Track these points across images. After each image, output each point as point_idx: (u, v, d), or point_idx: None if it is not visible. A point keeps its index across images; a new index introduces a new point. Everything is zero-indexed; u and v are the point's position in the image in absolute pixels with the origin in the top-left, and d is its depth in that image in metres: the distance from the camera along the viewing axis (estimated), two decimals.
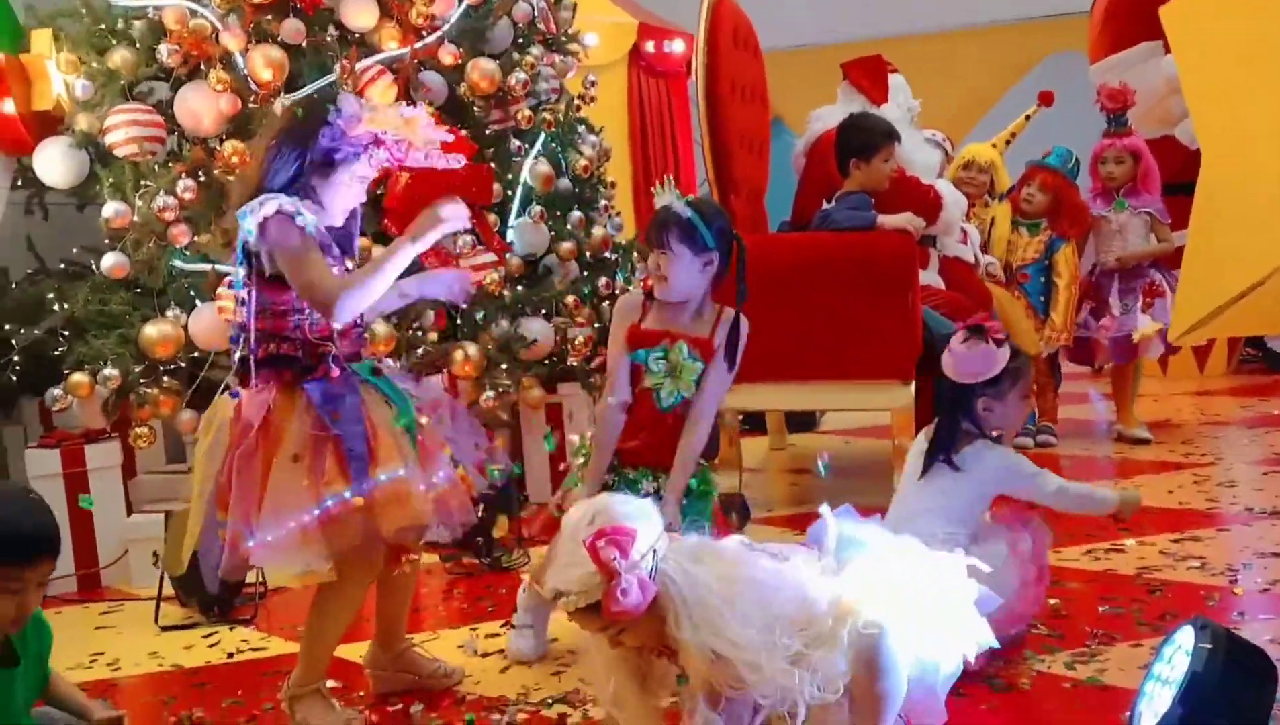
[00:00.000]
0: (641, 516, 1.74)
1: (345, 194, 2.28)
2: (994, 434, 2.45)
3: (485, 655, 2.64)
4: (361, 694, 2.44)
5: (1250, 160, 1.90)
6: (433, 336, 3.71)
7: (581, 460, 2.54)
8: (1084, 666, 2.29)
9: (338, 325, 2.19)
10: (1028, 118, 4.97)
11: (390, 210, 3.71)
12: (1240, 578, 2.81)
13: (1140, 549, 3.04)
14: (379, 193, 3.65)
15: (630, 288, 4.47)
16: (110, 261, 3.49)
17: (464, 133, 3.78)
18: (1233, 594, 2.69)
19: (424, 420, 2.26)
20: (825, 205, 3.83)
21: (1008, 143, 5.00)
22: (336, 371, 2.19)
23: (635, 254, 4.68)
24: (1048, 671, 2.26)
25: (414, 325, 3.67)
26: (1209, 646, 1.69)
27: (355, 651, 2.53)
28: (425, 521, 2.17)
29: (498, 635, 2.76)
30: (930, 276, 4.08)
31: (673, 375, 2.42)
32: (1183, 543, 3.11)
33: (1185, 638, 1.75)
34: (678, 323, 2.44)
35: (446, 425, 2.34)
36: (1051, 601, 2.63)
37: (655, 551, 1.71)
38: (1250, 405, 5.37)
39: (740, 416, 4.43)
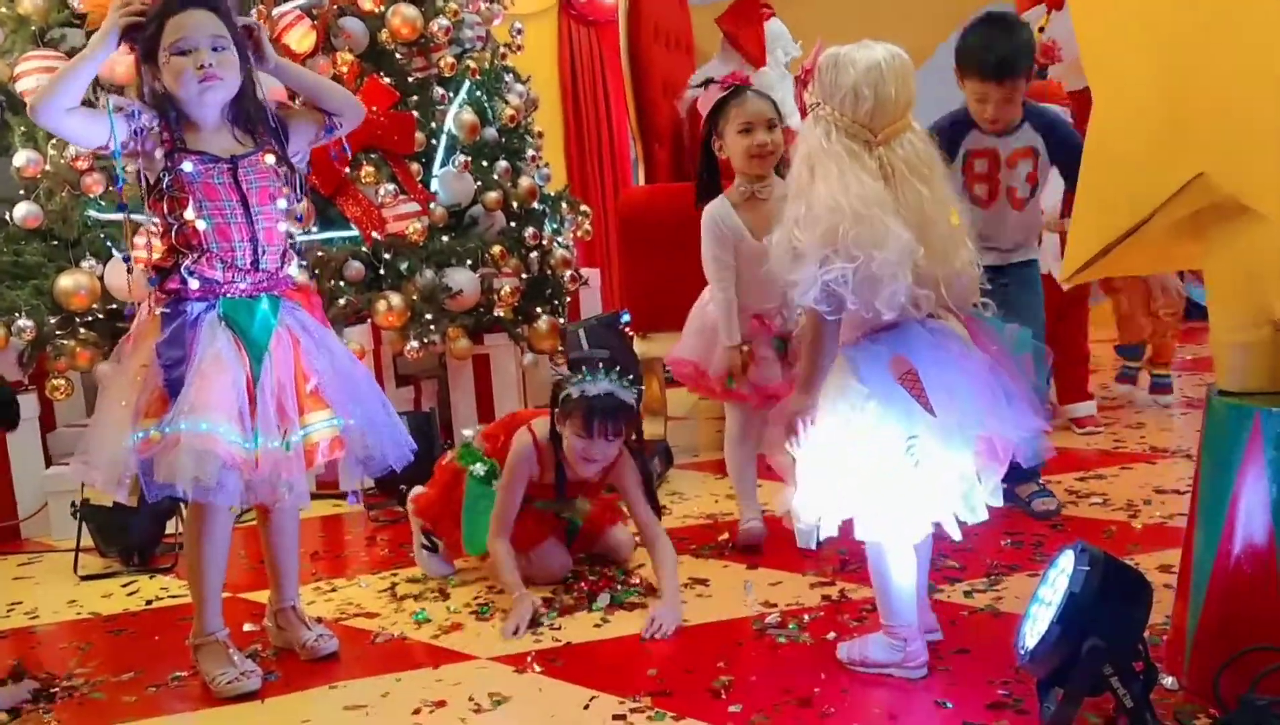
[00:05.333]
0: None
1: (168, 71, 2.09)
2: None
3: (402, 598, 2.67)
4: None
5: (1136, 99, 1.95)
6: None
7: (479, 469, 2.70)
8: (981, 595, 2.37)
9: (39, 122, 2.06)
10: (1041, 30, 4.54)
11: (310, 159, 3.70)
12: (1140, 512, 2.91)
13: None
14: None
15: (559, 240, 4.47)
16: (23, 211, 3.44)
17: (386, 80, 3.79)
18: (1131, 527, 2.79)
19: (310, 382, 2.16)
20: None
21: None
22: (195, 286, 2.10)
23: (565, 205, 4.69)
24: (946, 600, 2.34)
25: (336, 275, 3.66)
26: (1086, 569, 1.75)
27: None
28: (206, 482, 2.01)
29: (418, 581, 2.79)
30: None
31: (579, 511, 2.74)
32: (1087, 481, 3.21)
33: (1066, 561, 1.82)
34: (583, 476, 2.59)
35: (352, 390, 2.22)
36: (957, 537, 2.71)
37: None
38: None
39: (667, 366, 4.48)
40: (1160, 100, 1.91)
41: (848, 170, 1.90)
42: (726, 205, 2.71)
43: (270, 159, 2.18)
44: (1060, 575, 1.83)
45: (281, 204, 2.19)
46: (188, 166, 2.10)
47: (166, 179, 2.11)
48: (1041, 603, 1.85)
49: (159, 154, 2.12)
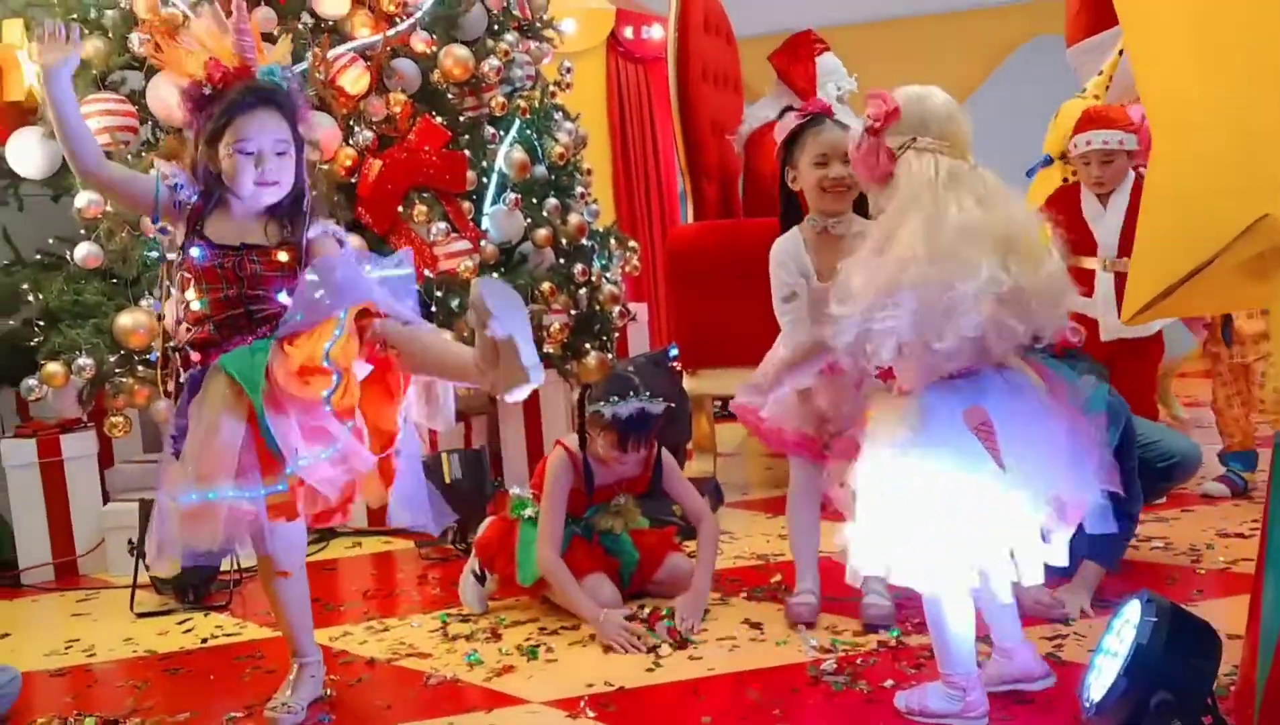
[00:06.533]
0: None
1: (228, 165, 2.12)
2: None
3: (454, 638, 2.67)
4: (334, 676, 2.45)
5: (1199, 138, 1.92)
6: None
7: (530, 513, 2.83)
8: (1043, 642, 2.32)
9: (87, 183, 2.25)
10: (1121, 53, 4.23)
11: (363, 198, 3.76)
12: (1203, 557, 2.85)
13: None
14: (352, 182, 3.69)
15: (607, 276, 4.48)
16: (84, 252, 3.50)
17: (438, 120, 3.84)
18: (1194, 573, 2.73)
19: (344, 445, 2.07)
20: None
21: (1106, 88, 4.30)
22: (196, 357, 2.13)
23: (613, 241, 4.70)
24: None
25: None
26: (1154, 620, 1.72)
27: (324, 635, 2.57)
28: (214, 546, 2.03)
29: (469, 620, 2.79)
30: None
31: (620, 516, 2.83)
32: (1148, 524, 3.14)
33: (1132, 612, 1.78)
34: (616, 474, 2.79)
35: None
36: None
37: None
38: None
39: (717, 402, 4.47)
40: (1224, 139, 1.87)
41: (947, 200, 1.85)
42: (798, 239, 2.52)
43: (283, 256, 2.16)
44: (1126, 626, 1.79)
45: (283, 297, 2.13)
46: (195, 252, 2.14)
47: (179, 258, 2.18)
48: (1107, 653, 1.82)
49: (181, 232, 2.17)
